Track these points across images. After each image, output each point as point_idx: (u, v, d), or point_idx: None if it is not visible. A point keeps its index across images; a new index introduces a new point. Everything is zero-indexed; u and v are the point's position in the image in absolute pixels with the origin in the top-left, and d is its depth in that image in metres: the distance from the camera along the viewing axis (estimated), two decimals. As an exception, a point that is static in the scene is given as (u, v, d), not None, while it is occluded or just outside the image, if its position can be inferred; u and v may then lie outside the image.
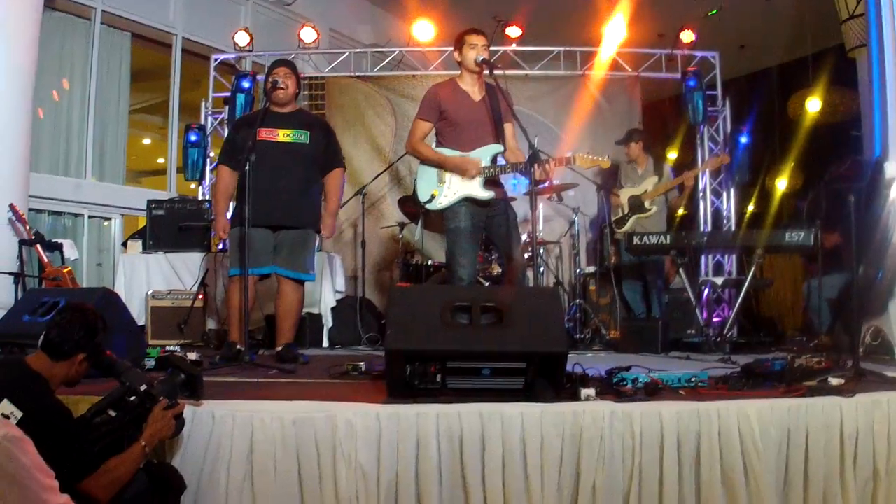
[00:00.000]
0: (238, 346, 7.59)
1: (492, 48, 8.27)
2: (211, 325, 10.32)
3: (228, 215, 8.25)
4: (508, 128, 7.93)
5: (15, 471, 2.92)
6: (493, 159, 7.80)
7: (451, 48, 8.07)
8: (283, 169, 7.93)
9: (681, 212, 12.64)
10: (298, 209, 8.06)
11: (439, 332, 5.05)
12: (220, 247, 10.51)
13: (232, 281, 7.92)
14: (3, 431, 2.96)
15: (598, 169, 9.15)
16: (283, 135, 8.00)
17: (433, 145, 8.00)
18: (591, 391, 5.04)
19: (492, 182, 7.77)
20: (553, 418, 4.72)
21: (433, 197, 7.78)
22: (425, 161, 7.94)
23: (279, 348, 8.05)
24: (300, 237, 8.10)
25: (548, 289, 9.52)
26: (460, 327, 5.14)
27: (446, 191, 7.74)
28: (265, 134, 7.89)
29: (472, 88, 7.92)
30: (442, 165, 7.79)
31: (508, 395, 4.99)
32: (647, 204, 11.46)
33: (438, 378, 5.02)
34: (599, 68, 13.58)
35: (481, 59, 7.65)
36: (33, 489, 2.98)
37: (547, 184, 9.31)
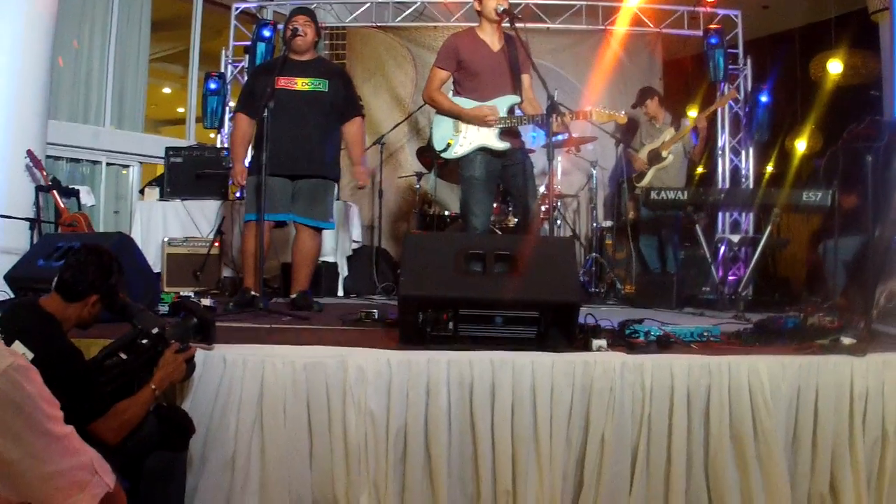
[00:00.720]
0: (252, 293, 7.59)
1: (513, 1, 8.20)
2: (227, 272, 10.33)
3: (246, 162, 8.23)
4: (526, 79, 7.91)
5: (21, 399, 2.93)
6: (511, 110, 7.77)
7: (472, 0, 8.04)
8: (302, 118, 7.90)
9: (699, 169, 12.62)
10: (317, 158, 8.03)
11: (452, 279, 5.05)
12: (238, 195, 10.51)
13: (247, 227, 7.90)
14: (10, 360, 2.96)
15: (616, 124, 9.13)
16: (302, 83, 7.95)
17: (450, 94, 7.99)
18: (602, 342, 5.04)
19: (508, 132, 7.77)
20: (564, 368, 4.73)
21: (449, 146, 7.79)
22: (442, 111, 7.94)
23: (294, 295, 8.07)
24: (319, 186, 8.10)
25: (562, 239, 9.51)
26: (473, 275, 5.12)
27: (462, 140, 7.74)
28: (284, 82, 7.86)
29: (491, 38, 7.88)
30: (459, 116, 7.78)
31: (520, 343, 5.00)
32: (663, 153, 11.44)
33: (451, 326, 5.03)
34: (621, 23, 13.55)
35: (502, 9, 7.58)
36: (37, 418, 2.98)
37: (565, 137, 9.28)
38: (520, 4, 13.09)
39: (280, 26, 12.38)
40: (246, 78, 12.61)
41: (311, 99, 8.00)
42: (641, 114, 11.95)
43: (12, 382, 2.88)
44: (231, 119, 12.78)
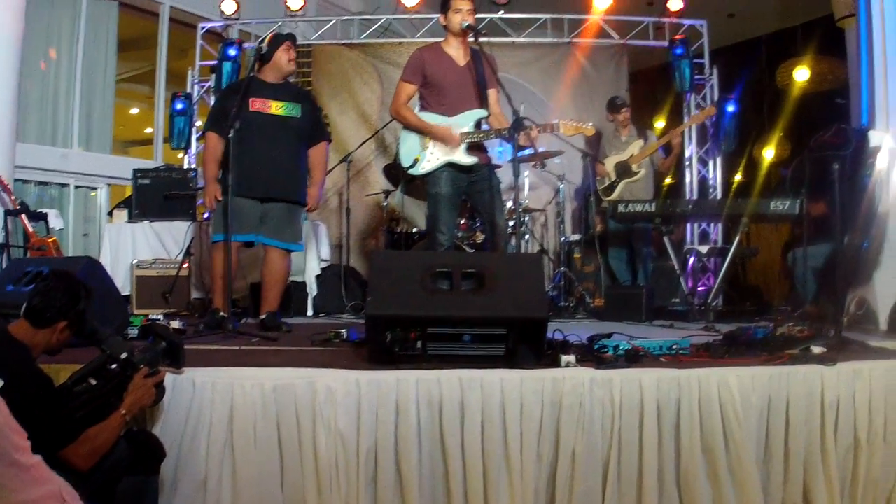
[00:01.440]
0: (221, 313, 7.58)
1: (479, 15, 8.21)
2: (196, 294, 10.29)
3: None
4: (493, 94, 7.93)
5: None
6: (477, 124, 7.83)
7: (437, 15, 8.07)
8: (274, 141, 7.89)
9: (668, 180, 12.67)
10: (287, 182, 8.03)
11: (420, 298, 5.04)
12: (206, 216, 10.51)
13: (215, 247, 7.87)
14: None
15: (584, 137, 9.17)
16: (276, 107, 7.95)
17: (417, 109, 8.01)
18: (571, 358, 5.03)
19: (475, 147, 7.82)
20: (533, 385, 4.73)
21: (416, 161, 7.83)
22: (408, 126, 7.96)
23: (263, 316, 8.05)
24: (288, 210, 8.09)
25: (529, 255, 9.49)
26: (441, 293, 5.13)
27: (429, 156, 7.78)
28: (259, 105, 7.87)
29: (456, 53, 7.93)
30: (425, 131, 7.82)
31: (489, 361, 4.98)
32: (634, 167, 11.47)
33: (419, 344, 5.02)
34: (586, 36, 13.59)
35: (466, 24, 7.63)
36: (5, 448, 2.98)
37: (532, 151, 9.30)
38: (485, 19, 13.10)
39: (247, 45, 12.41)
40: (213, 98, 12.64)
41: (285, 123, 8.00)
42: (608, 122, 11.97)
43: None
44: (199, 139, 12.79)
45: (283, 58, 8.02)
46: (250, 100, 7.78)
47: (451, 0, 7.79)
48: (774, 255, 14.78)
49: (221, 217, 7.63)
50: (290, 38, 8.23)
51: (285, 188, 8.00)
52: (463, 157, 7.72)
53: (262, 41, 8.30)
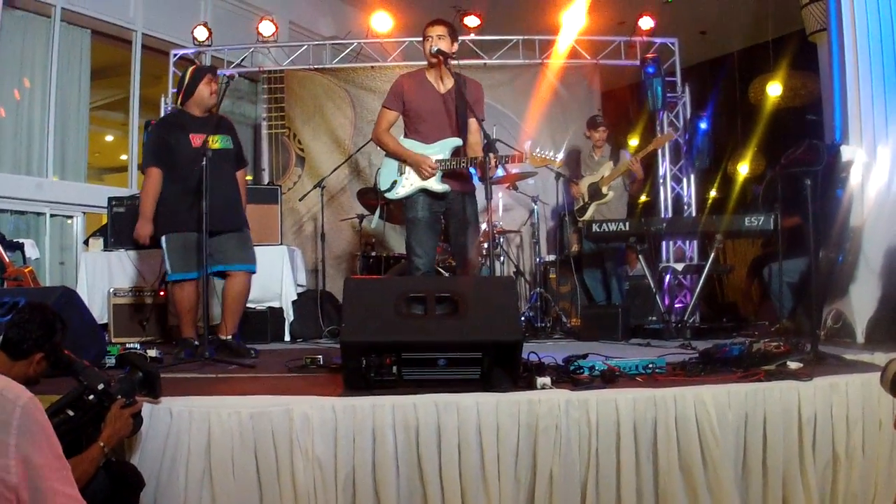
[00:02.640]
0: (195, 342, 7.69)
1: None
2: (173, 321, 10.25)
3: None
4: (473, 122, 7.90)
5: (43, 422, 2.96)
6: (455, 152, 7.86)
7: (409, 39, 8.13)
8: (219, 175, 7.89)
9: (643, 198, 12.71)
10: (234, 212, 8.14)
11: (394, 323, 5.05)
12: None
13: (175, 286, 7.99)
14: (30, 394, 2.99)
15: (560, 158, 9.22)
16: (213, 141, 7.95)
17: (401, 135, 8.05)
18: (546, 380, 5.05)
19: (450, 175, 7.83)
20: (508, 408, 4.73)
21: (393, 185, 7.88)
22: (388, 152, 8.02)
23: (228, 338, 8.09)
24: (241, 237, 8.19)
25: (502, 278, 9.47)
26: (415, 318, 5.13)
27: (404, 181, 7.84)
28: (198, 141, 7.88)
29: (436, 80, 7.97)
30: (402, 158, 7.86)
31: (465, 385, 5.00)
32: (604, 189, 11.51)
33: (394, 370, 5.03)
34: (558, 56, 13.61)
35: (435, 49, 7.69)
36: (54, 442, 3.01)
37: (504, 174, 9.31)
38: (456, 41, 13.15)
39: (219, 72, 12.40)
40: (150, 130, 12.67)
41: (224, 155, 8.10)
42: (585, 140, 12.01)
43: (37, 407, 2.91)
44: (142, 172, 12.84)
45: (205, 91, 8.10)
46: (191, 135, 7.88)
47: (425, 28, 7.85)
48: (750, 270, 14.84)
49: (181, 254, 7.85)
50: (212, 70, 8.38)
51: (232, 219, 8.08)
52: (435, 185, 7.76)
53: (183, 74, 8.35)
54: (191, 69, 8.41)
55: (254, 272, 8.31)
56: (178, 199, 7.73)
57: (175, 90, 13.08)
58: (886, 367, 3.80)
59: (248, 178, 8.39)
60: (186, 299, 7.87)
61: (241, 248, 8.12)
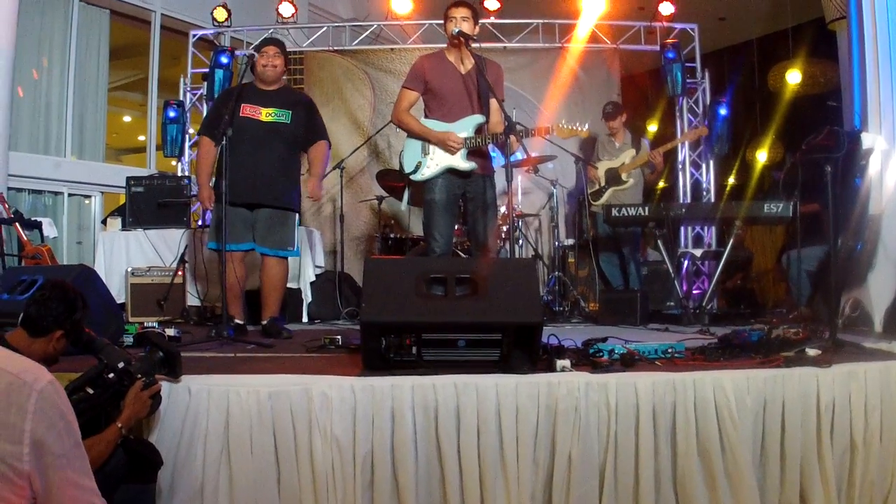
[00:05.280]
0: (237, 320, 7.86)
1: (471, 20, 8.23)
2: (191, 301, 10.27)
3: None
4: (493, 102, 7.86)
5: (64, 408, 2.93)
6: (478, 129, 7.83)
7: (429, 21, 8.10)
8: (263, 148, 7.94)
9: (661, 184, 12.67)
10: (277, 188, 8.06)
11: (414, 304, 5.04)
12: (199, 223, 10.53)
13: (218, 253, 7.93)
14: (51, 377, 2.98)
15: (578, 141, 9.16)
16: (266, 114, 8.00)
17: (422, 116, 8.03)
18: (566, 362, 5.03)
19: (475, 153, 7.81)
20: (528, 389, 4.72)
21: (418, 167, 7.84)
22: (410, 132, 7.99)
23: (265, 322, 8.10)
24: (278, 216, 8.12)
25: (523, 260, 9.46)
26: (435, 299, 5.11)
27: (430, 162, 7.81)
28: (249, 111, 7.95)
29: (457, 60, 7.94)
30: (425, 138, 7.84)
31: (484, 366, 4.98)
32: (623, 176, 11.49)
33: (414, 350, 5.02)
34: (577, 41, 13.57)
35: (457, 31, 7.65)
36: (75, 430, 2.99)
37: (524, 157, 9.28)
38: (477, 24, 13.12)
39: (238, 52, 12.39)
40: (205, 105, 12.70)
41: (273, 129, 8.04)
42: (602, 127, 11.98)
43: (57, 392, 2.90)
44: (192, 147, 12.83)
45: (259, 63, 8.09)
46: (242, 105, 7.87)
47: (448, 9, 7.83)
48: (769, 258, 14.78)
49: (214, 225, 7.79)
50: (266, 42, 8.32)
51: (273, 194, 8.04)
52: (462, 163, 7.73)
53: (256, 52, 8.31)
54: (260, 42, 8.50)
55: (286, 257, 8.31)
56: (218, 168, 7.71)
57: (204, 70, 13.24)
58: None
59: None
60: (230, 273, 7.72)
61: (274, 230, 8.10)
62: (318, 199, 8.75)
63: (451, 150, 7.71)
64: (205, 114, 12.33)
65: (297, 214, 8.46)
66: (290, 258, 8.35)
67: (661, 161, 11.43)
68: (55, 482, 2.89)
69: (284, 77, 8.44)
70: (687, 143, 13.49)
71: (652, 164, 11.54)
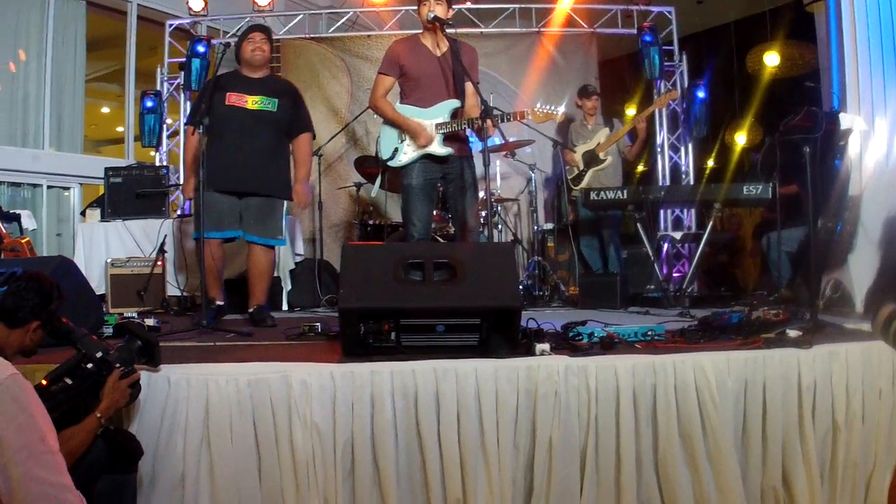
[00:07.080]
0: (217, 302, 7.90)
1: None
2: (171, 291, 10.25)
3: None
4: (469, 86, 7.88)
5: (25, 401, 3.00)
6: (453, 114, 7.83)
7: (405, 8, 8.09)
8: (251, 136, 7.93)
9: (640, 168, 12.68)
10: (264, 176, 8.04)
11: (392, 289, 5.04)
12: (179, 213, 10.50)
13: (197, 243, 7.90)
14: (13, 371, 2.98)
15: (555, 125, 9.15)
16: (252, 101, 7.99)
17: (397, 101, 8.02)
18: (545, 346, 5.04)
19: (451, 137, 7.81)
20: (507, 373, 4.73)
21: (395, 153, 7.84)
22: (385, 119, 7.99)
23: (251, 310, 8.10)
24: (266, 204, 8.11)
25: (501, 244, 9.42)
26: (413, 284, 5.13)
27: (406, 148, 7.82)
28: (234, 99, 7.94)
29: (432, 45, 7.92)
30: (399, 126, 7.83)
31: (463, 351, 5.00)
32: (601, 155, 11.51)
33: (393, 336, 5.03)
34: (555, 25, 13.60)
35: (432, 15, 7.64)
36: (38, 423, 3.03)
37: (503, 142, 9.28)
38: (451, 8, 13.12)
39: (215, 41, 12.36)
40: (182, 95, 12.71)
41: (260, 117, 8.02)
42: (576, 110, 12.01)
43: (18, 385, 2.91)
44: (170, 136, 12.81)
45: (247, 49, 8.09)
46: (227, 94, 7.88)
47: None
48: (749, 240, 14.82)
49: (196, 213, 7.73)
50: (253, 28, 8.29)
51: (261, 182, 8.01)
52: (438, 149, 7.73)
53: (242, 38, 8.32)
54: (246, 29, 8.48)
55: (272, 246, 8.29)
56: (210, 157, 7.68)
57: (181, 59, 13.23)
58: (878, 312, 3.80)
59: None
60: (207, 258, 7.69)
61: (261, 218, 8.07)
62: (306, 206, 8.66)
63: (419, 144, 7.73)
64: (181, 103, 12.34)
65: (285, 203, 8.49)
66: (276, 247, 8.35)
67: (644, 127, 11.43)
68: (15, 477, 2.88)
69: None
70: (665, 126, 13.56)
71: (629, 136, 11.56)
